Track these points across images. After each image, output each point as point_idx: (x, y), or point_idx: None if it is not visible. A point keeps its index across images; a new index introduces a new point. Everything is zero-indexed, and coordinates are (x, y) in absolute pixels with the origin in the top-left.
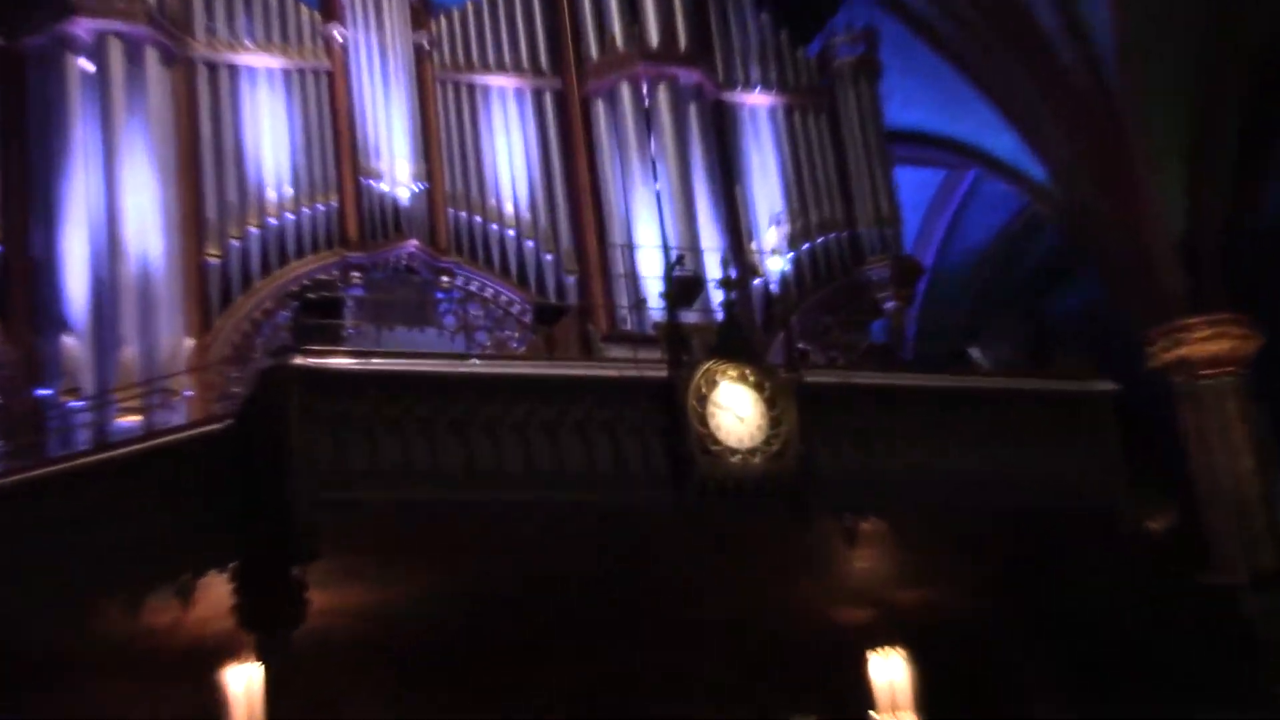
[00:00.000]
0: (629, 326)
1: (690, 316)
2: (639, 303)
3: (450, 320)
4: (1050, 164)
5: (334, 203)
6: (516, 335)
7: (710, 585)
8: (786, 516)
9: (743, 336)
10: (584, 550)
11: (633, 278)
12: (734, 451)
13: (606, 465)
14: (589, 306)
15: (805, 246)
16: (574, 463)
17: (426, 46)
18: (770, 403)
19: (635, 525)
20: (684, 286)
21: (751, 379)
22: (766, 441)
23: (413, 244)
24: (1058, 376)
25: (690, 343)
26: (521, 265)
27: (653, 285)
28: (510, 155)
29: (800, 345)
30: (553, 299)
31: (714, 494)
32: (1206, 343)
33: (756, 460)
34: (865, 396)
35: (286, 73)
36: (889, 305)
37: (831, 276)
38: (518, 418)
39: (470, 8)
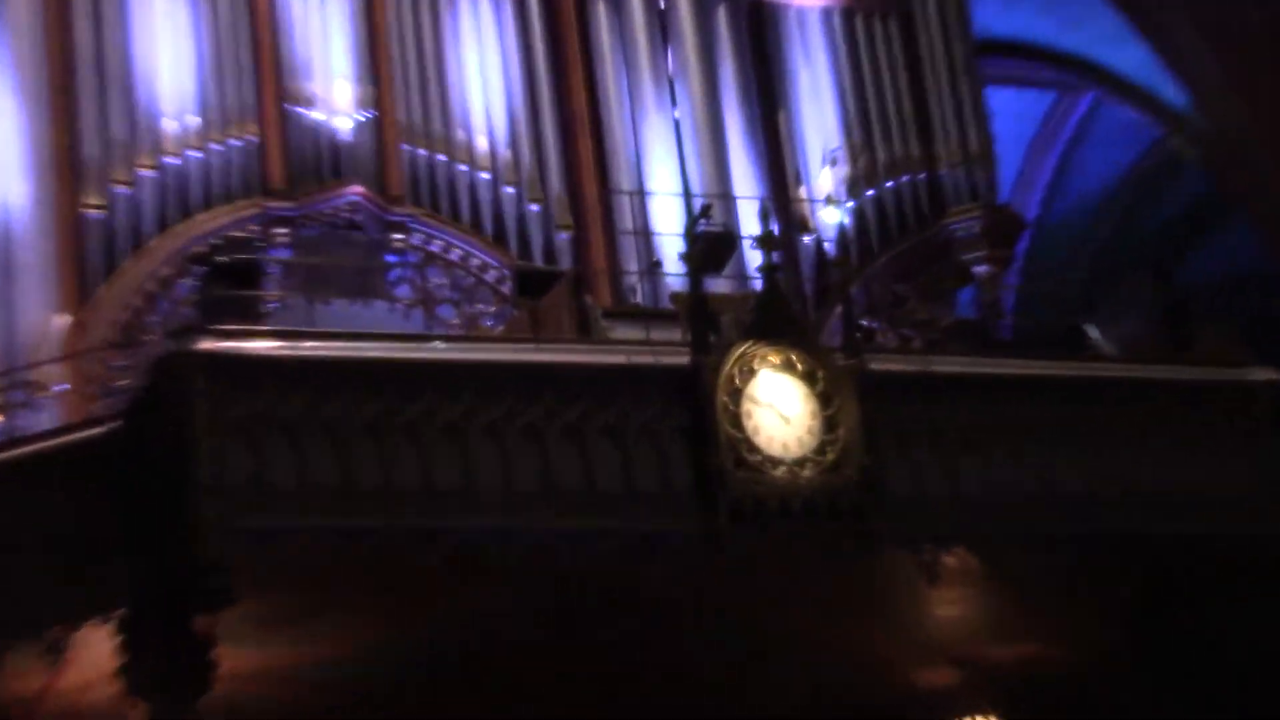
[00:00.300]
0: (639, 299)
1: (719, 285)
2: (653, 267)
3: (405, 291)
4: (1192, 84)
5: (252, 137)
6: (492, 310)
7: (748, 638)
8: (847, 548)
9: (788, 311)
10: (579, 595)
11: (644, 235)
12: (777, 462)
13: (610, 482)
14: (586, 273)
15: (870, 194)
16: (567, 479)
17: None
18: (824, 398)
19: (648, 560)
20: (711, 246)
21: (800, 367)
22: (820, 449)
23: (356, 191)
24: (1201, 362)
25: (720, 320)
26: (499, 219)
27: (670, 245)
28: (484, 74)
29: (864, 322)
30: (539, 263)
31: (751, 519)
32: None
33: (807, 473)
34: (949, 390)
35: None
36: (980, 270)
37: (904, 233)
38: (493, 419)
39: None
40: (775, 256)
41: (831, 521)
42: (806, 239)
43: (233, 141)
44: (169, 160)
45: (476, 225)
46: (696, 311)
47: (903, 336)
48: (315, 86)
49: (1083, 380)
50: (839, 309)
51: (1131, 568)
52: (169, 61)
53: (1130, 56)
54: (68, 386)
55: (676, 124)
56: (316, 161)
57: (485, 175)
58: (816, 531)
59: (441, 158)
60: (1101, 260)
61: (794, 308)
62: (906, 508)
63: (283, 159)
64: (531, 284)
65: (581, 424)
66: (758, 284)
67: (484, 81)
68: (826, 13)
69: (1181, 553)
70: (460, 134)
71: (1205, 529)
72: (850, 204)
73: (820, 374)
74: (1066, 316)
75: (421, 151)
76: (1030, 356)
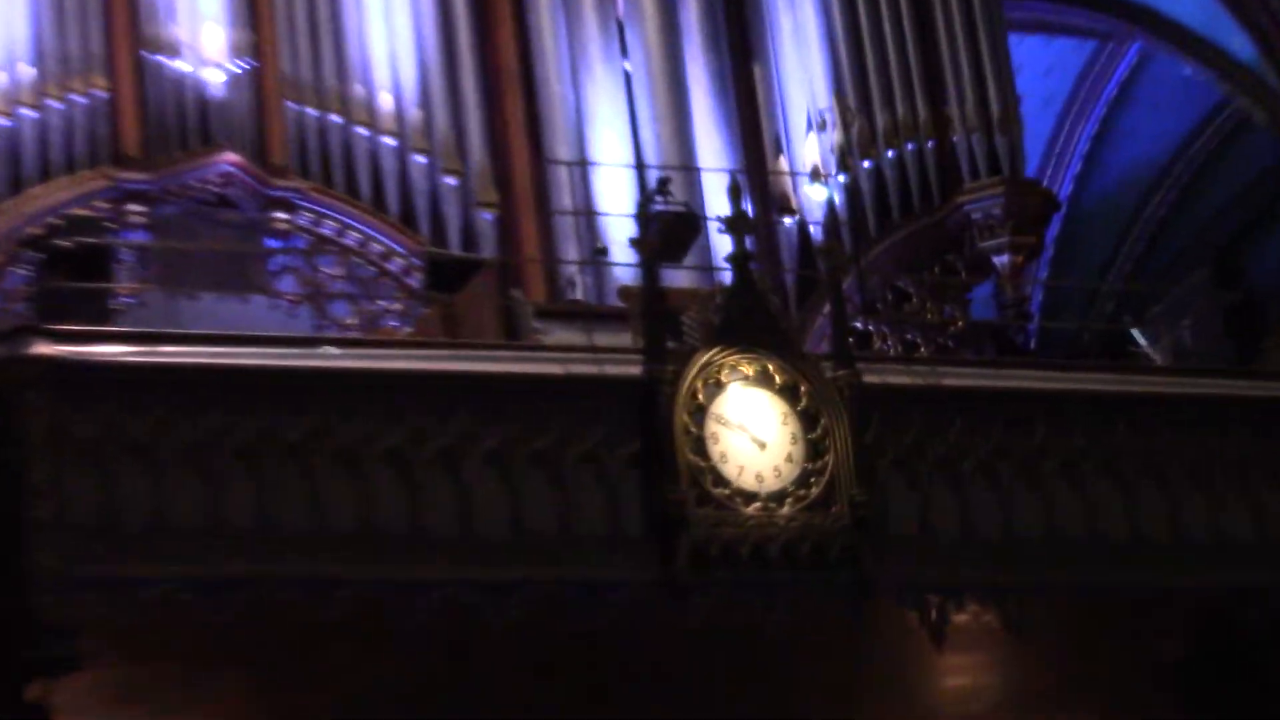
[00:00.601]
0: (580, 294)
1: (680, 278)
2: (597, 256)
3: (289, 284)
4: (1260, 34)
5: (100, 92)
6: (397, 308)
7: (711, 716)
8: (836, 604)
9: (765, 310)
10: (502, 661)
11: (587, 215)
12: (750, 497)
13: (542, 522)
14: (515, 262)
15: (866, 165)
16: (490, 518)
17: None
18: (809, 418)
19: (588, 619)
20: (670, 230)
21: (779, 380)
22: (802, 481)
23: (229, 160)
24: (1272, 377)
25: (680, 321)
26: (406, 195)
27: (619, 228)
28: (388, 16)
29: (858, 324)
30: (456, 249)
31: (717, 567)
32: None
33: (786, 511)
34: (963, 408)
35: None
36: (1002, 260)
37: (908, 214)
38: (397, 444)
39: None
40: (749, 243)
41: (817, 570)
42: (788, 221)
43: (76, 98)
44: None
45: (379, 203)
46: (651, 310)
47: (906, 342)
48: (179, 31)
49: (1127, 398)
50: (827, 308)
51: (1192, 630)
52: None
53: None
54: None
55: (627, 78)
56: (180, 123)
57: (390, 141)
58: (798, 583)
59: (335, 119)
60: (1150, 250)
61: (772, 306)
62: (909, 553)
63: (138, 120)
64: (446, 275)
65: (508, 450)
66: (727, 277)
67: (389, 25)
68: None
69: (1239, 605)
70: (359, 90)
71: (1269, 578)
72: (842, 178)
73: (804, 388)
74: (1107, 319)
75: (311, 111)
76: (1062, 368)
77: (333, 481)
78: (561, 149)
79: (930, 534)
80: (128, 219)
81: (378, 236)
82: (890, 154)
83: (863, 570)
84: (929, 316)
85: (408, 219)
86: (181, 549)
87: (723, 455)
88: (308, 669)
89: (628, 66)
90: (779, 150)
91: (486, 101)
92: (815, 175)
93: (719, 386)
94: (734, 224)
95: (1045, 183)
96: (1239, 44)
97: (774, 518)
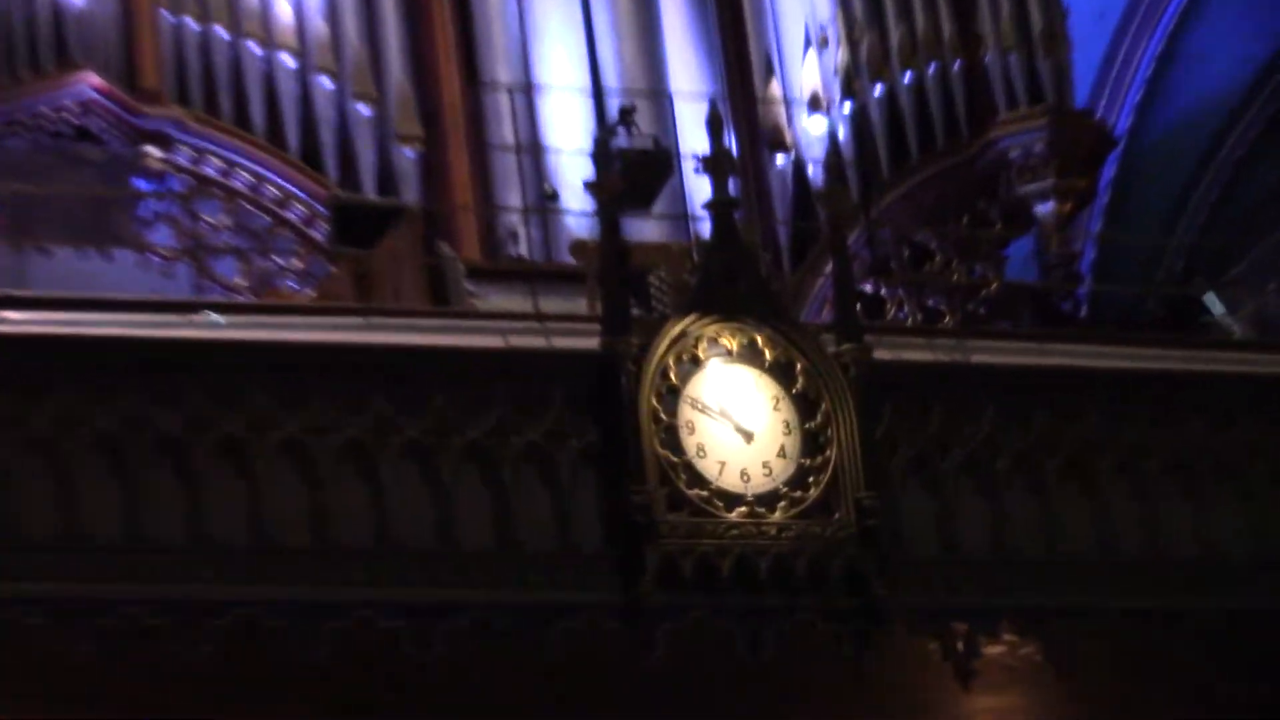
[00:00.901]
0: (523, 250)
1: (647, 230)
2: (545, 202)
3: (164, 236)
4: None
5: None
6: (297, 266)
7: None
8: (840, 633)
9: (752, 270)
10: (428, 702)
11: (533, 152)
12: (734, 500)
13: (476, 530)
14: (443, 210)
15: (878, 91)
16: (409, 526)
17: None
18: (806, 402)
19: (533, 650)
20: (635, 170)
21: (769, 355)
22: (799, 480)
23: (90, 83)
24: None
25: (647, 283)
26: (309, 126)
27: (573, 168)
28: None
29: (867, 288)
30: (371, 194)
31: (691, 588)
32: None
33: (777, 518)
34: (996, 391)
35: None
36: (1044, 210)
37: (930, 151)
38: (297, 434)
39: None
40: (732, 186)
41: (816, 592)
42: (780, 160)
43: None
44: None
45: (275, 136)
46: (611, 270)
47: (927, 310)
48: None
49: (1199, 379)
50: (829, 267)
51: (1261, 659)
52: None
53: None
54: None
55: None
56: (29, 37)
57: (289, 60)
58: (793, 608)
59: (221, 32)
60: (1226, 197)
61: (761, 264)
62: (930, 572)
63: None
64: (358, 226)
65: (434, 442)
66: (705, 228)
67: None
68: None
69: None
70: None
71: None
72: (847, 107)
73: (800, 366)
74: (1174, 282)
75: (191, 23)
76: (1120, 342)
77: (216, 481)
78: (501, 70)
79: (956, 548)
80: None
81: (273, 178)
82: (907, 77)
83: (872, 592)
84: (955, 278)
85: (311, 157)
86: (29, 563)
87: (700, 448)
88: (180, 711)
89: None
90: (770, 73)
91: (408, 11)
92: (814, 104)
93: (695, 364)
94: (714, 163)
95: (1098, 114)
96: None
97: (763, 526)
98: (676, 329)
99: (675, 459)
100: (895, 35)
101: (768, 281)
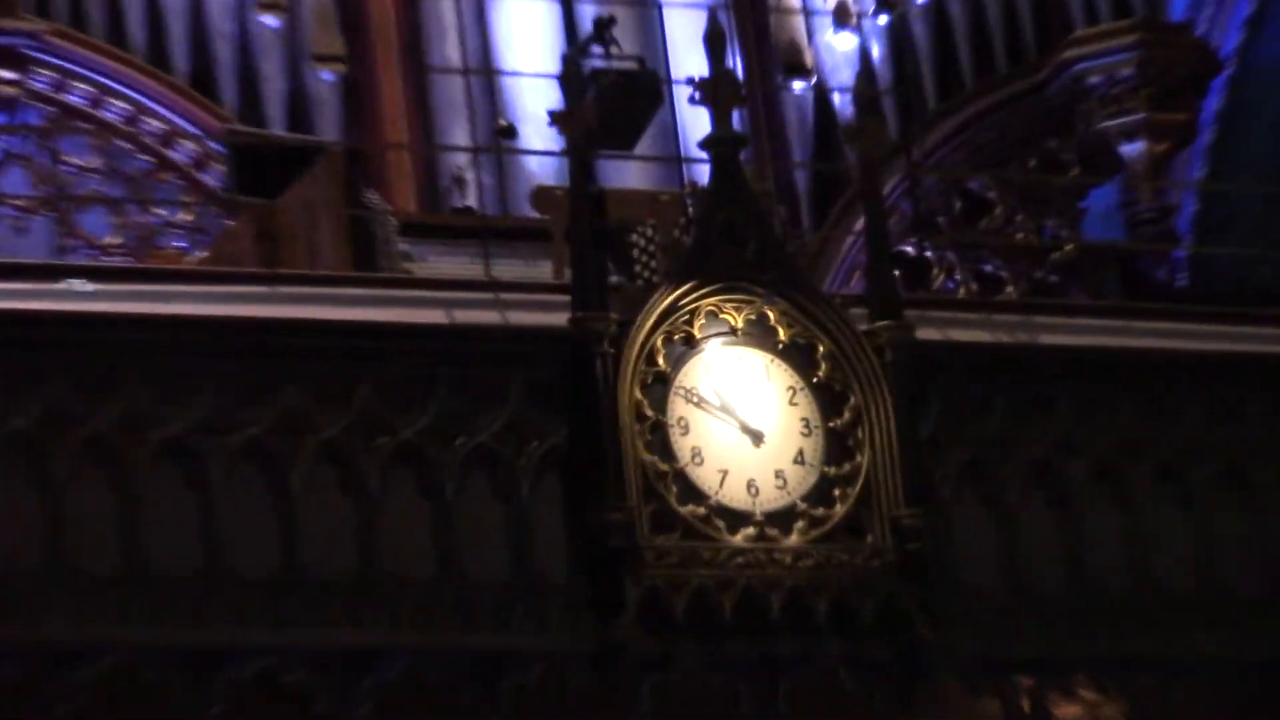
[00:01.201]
0: (471, 200)
1: (629, 174)
2: (500, 138)
3: (16, 181)
4: None
5: None
6: (186, 220)
7: None
8: (876, 686)
9: (762, 226)
10: None
11: (484, 76)
12: (738, 519)
13: (411, 557)
14: (370, 150)
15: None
16: (327, 548)
17: None
18: (831, 395)
19: (484, 708)
20: (615, 99)
21: (784, 334)
22: (822, 495)
23: None
24: None
25: (630, 242)
26: (200, 43)
27: (534, 95)
28: None
29: (909, 248)
30: (279, 129)
31: (686, 633)
32: None
33: (794, 542)
34: (1073, 381)
35: None
36: (1133, 150)
37: (988, 76)
38: (183, 431)
39: None
40: (736, 119)
41: (843, 637)
42: (798, 87)
43: None
44: None
45: (158, 56)
46: (584, 225)
47: (984, 277)
48: None
49: None
50: (860, 223)
51: None
52: None
53: None
54: None
55: None
56: None
57: None
58: (813, 656)
59: None
60: None
61: (774, 219)
62: (987, 609)
63: None
64: (263, 170)
65: (358, 443)
66: (703, 173)
67: None
68: None
69: None
70: None
71: None
72: (883, 19)
73: (823, 349)
74: None
75: None
76: (1227, 318)
77: (79, 492)
78: None
79: (1020, 579)
80: None
81: (156, 108)
82: None
83: (915, 637)
84: (1020, 237)
85: (202, 82)
86: None
87: (695, 453)
88: None
89: None
90: None
91: None
92: (841, 16)
93: (690, 345)
94: (713, 90)
95: (1199, 31)
96: None
97: (775, 553)
98: (666, 301)
99: (664, 467)
100: None
101: (782, 241)
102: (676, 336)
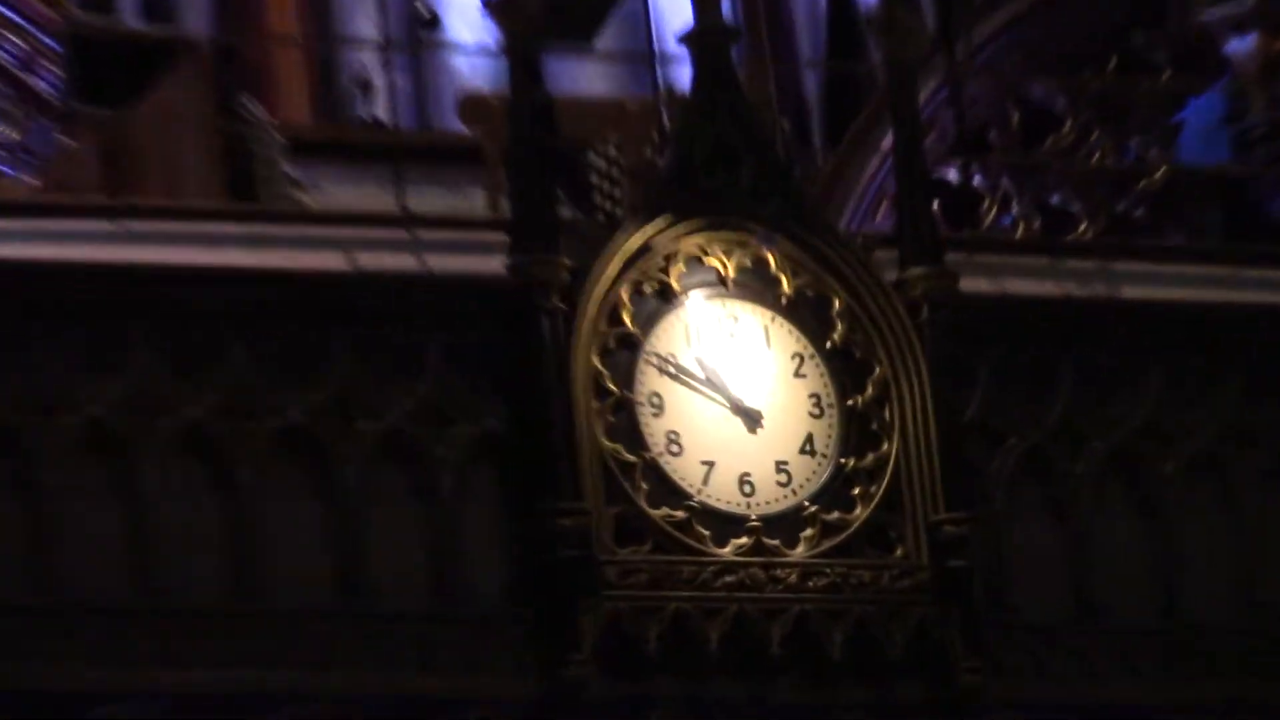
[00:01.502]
0: (379, 110)
1: (585, 78)
2: (422, 29)
3: None
4: None
5: None
6: (12, 137)
7: None
8: None
9: (760, 146)
10: None
11: None
12: (728, 524)
13: (306, 584)
14: (248, 45)
15: None
16: (196, 572)
17: None
18: (849, 363)
19: None
20: None
21: (788, 285)
22: (836, 493)
23: None
24: None
25: (587, 165)
26: None
27: None
28: None
29: (952, 174)
30: (134, 20)
31: (658, 675)
32: None
33: (799, 555)
34: (1166, 347)
35: None
36: (1239, 48)
37: None
38: (6, 412)
39: None
40: (727, 6)
41: (866, 677)
42: None
43: None
44: None
45: None
46: (527, 144)
47: (1050, 212)
48: None
49: None
50: (889, 142)
51: None
52: None
53: None
54: None
55: None
56: None
57: None
58: (827, 703)
59: None
60: None
61: (777, 137)
62: (1050, 643)
63: None
64: (110, 71)
65: (232, 426)
66: (682, 78)
67: None
68: None
69: None
70: None
71: None
72: None
73: (839, 304)
74: None
75: None
76: None
77: None
78: None
79: (1094, 606)
80: None
81: None
82: None
83: (958, 678)
84: (1096, 159)
85: None
86: None
87: (672, 440)
88: None
89: None
90: None
91: None
92: None
93: (666, 300)
94: None
95: None
96: None
97: (776, 570)
98: (635, 242)
99: (631, 457)
100: None
101: (786, 164)
102: (648, 288)
